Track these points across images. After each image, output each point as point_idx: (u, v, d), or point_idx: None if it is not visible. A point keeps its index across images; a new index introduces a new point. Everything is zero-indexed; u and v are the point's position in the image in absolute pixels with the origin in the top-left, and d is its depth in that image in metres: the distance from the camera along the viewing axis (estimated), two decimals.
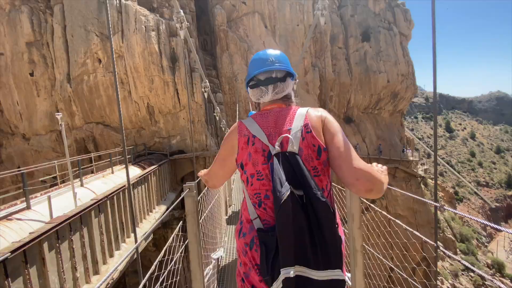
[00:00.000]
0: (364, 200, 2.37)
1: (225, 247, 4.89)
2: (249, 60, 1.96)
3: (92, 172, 11.92)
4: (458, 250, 39.58)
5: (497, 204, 70.26)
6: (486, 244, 51.88)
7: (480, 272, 1.50)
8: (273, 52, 1.34)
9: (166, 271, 2.29)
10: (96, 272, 7.12)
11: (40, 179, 15.47)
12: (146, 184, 11.70)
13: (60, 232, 5.85)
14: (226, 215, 6.43)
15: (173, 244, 2.31)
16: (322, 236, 1.00)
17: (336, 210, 1.20)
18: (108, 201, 7.94)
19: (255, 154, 1.19)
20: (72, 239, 6.22)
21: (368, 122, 28.29)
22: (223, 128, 6.54)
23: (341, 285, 1.00)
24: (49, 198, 6.08)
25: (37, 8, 17.13)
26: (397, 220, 2.34)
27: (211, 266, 3.32)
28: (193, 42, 17.98)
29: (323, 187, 1.15)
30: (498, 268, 38.92)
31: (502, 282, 36.96)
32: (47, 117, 18.14)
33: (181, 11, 3.34)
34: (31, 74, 18.09)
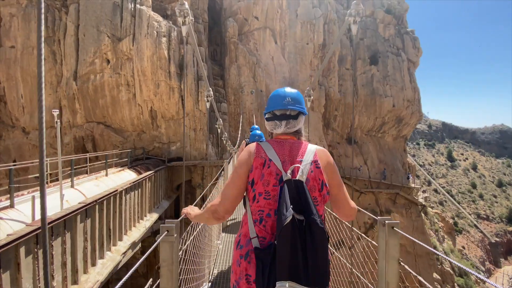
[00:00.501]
0: (357, 231, 2.46)
1: (214, 282, 4.26)
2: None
3: (87, 173, 11.62)
4: (456, 284, 38.21)
5: (497, 239, 68.57)
6: (484, 279, 50.07)
7: None
8: (290, 91, 1.55)
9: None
10: (75, 282, 6.67)
11: (35, 175, 15.14)
12: (139, 189, 11.33)
13: (40, 236, 5.47)
14: (219, 239, 5.86)
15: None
16: (315, 258, 1.16)
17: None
18: (97, 206, 7.57)
19: (268, 176, 1.35)
20: (52, 245, 5.82)
21: (371, 145, 28.02)
22: (224, 141, 6.36)
23: None
24: (32, 199, 5.74)
25: (53, 6, 17.37)
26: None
27: None
28: (204, 52, 18.09)
29: (320, 214, 1.28)
30: None
31: None
32: (49, 112, 17.96)
33: (186, 3, 2.98)
34: None
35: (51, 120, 18.08)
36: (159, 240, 1.75)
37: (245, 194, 1.44)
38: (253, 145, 1.46)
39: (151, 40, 15.72)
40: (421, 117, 28.43)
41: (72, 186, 8.11)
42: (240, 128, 18.30)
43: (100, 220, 7.88)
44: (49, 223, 5.66)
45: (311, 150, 1.43)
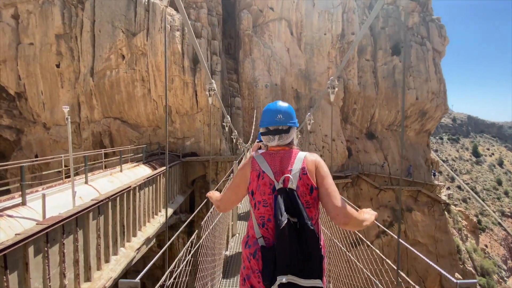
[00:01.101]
0: (380, 226, 2.36)
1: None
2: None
3: (106, 167, 11.67)
4: (478, 284, 36.39)
5: None
6: (505, 278, 47.74)
7: None
8: (282, 107, 1.67)
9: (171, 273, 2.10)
10: (88, 279, 6.60)
11: (56, 170, 15.47)
12: (154, 185, 11.25)
13: (51, 234, 5.37)
14: (227, 250, 5.41)
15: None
16: (309, 255, 1.38)
17: (321, 234, 1.59)
18: (110, 203, 7.47)
19: (263, 186, 1.55)
20: (64, 243, 5.72)
21: (391, 140, 26.75)
22: (234, 139, 6.13)
23: None
24: (43, 197, 5.64)
25: (69, 2, 17.54)
26: (413, 249, 2.17)
27: None
28: (217, 45, 17.71)
29: (312, 216, 1.50)
30: None
31: None
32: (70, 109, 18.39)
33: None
34: (57, 66, 18.50)
35: (70, 116, 18.50)
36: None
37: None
38: (249, 160, 1.66)
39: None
40: (446, 110, 26.75)
41: (86, 182, 8.06)
42: (254, 123, 17.89)
43: (113, 216, 7.79)
44: (60, 221, 5.55)
45: (300, 158, 1.57)
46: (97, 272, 6.99)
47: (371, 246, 2.66)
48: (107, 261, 7.45)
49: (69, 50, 18.32)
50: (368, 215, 1.56)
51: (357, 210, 1.54)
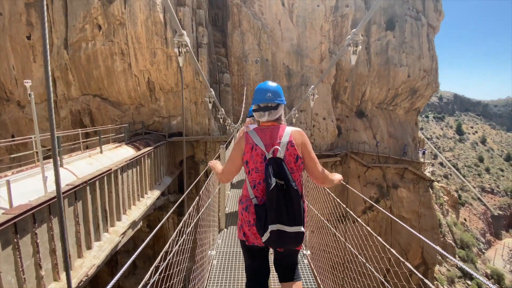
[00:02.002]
0: (368, 200, 2.75)
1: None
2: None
3: (88, 148, 10.95)
4: (457, 256, 38.83)
5: (500, 212, 68.94)
6: (483, 250, 51.23)
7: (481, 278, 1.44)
8: (271, 86, 1.97)
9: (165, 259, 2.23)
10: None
11: (32, 151, 14.57)
12: (138, 167, 10.70)
13: (20, 224, 4.87)
14: (213, 249, 4.99)
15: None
16: (292, 208, 1.74)
17: (303, 193, 1.95)
18: (88, 187, 6.93)
19: (256, 156, 1.88)
20: (36, 233, 5.25)
21: (381, 118, 26.72)
22: (220, 119, 5.96)
23: (302, 235, 1.78)
24: (7, 183, 5.05)
25: None
26: (398, 220, 2.29)
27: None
28: (203, 15, 16.41)
29: (295, 179, 1.85)
30: (497, 279, 38.18)
31: None
32: (43, 84, 17.04)
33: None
34: (28, 38, 16.85)
35: (44, 93, 17.18)
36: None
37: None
38: (243, 135, 1.97)
39: (145, 1, 14.12)
40: (437, 88, 26.67)
41: (61, 165, 7.42)
42: (244, 101, 17.21)
43: (93, 201, 7.30)
44: (29, 210, 5.03)
45: (288, 133, 1.89)
46: (79, 260, 6.62)
47: (359, 220, 2.73)
48: (89, 248, 7.07)
49: (40, 20, 16.60)
50: (336, 176, 2.08)
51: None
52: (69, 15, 15.52)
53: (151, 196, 11.70)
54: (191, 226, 2.73)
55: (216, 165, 2.33)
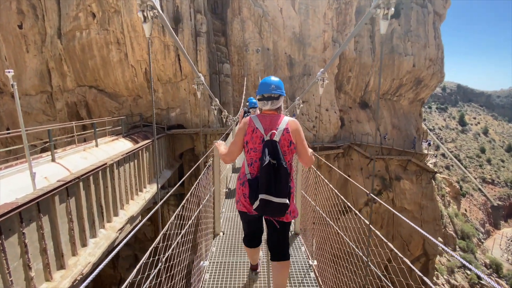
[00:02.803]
0: (371, 194, 2.41)
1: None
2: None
3: (85, 141, 10.56)
4: (457, 247, 38.94)
5: (500, 203, 69.14)
6: (482, 240, 51.52)
7: (478, 272, 1.42)
8: (275, 80, 2.30)
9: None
10: (61, 266, 5.94)
11: (31, 143, 14.13)
12: (136, 160, 10.34)
13: (5, 224, 4.53)
14: (206, 259, 4.82)
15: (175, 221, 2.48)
16: (280, 183, 2.03)
17: (293, 174, 2.42)
18: (81, 183, 6.58)
19: (255, 138, 2.20)
20: (24, 232, 4.92)
21: (385, 109, 26.17)
22: (214, 110, 5.49)
23: (286, 206, 2.07)
24: None
25: None
26: (399, 214, 2.17)
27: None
28: (202, 2, 15.73)
29: (287, 160, 2.15)
30: (495, 268, 38.45)
31: (498, 283, 36.67)
32: (37, 75, 16.55)
33: None
34: (20, 27, 16.25)
35: (39, 84, 16.72)
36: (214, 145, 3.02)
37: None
38: (247, 119, 2.30)
39: None
40: (442, 78, 25.98)
41: (53, 160, 7.06)
42: (244, 92, 16.69)
43: (87, 197, 6.96)
44: (15, 209, 4.68)
45: (285, 121, 2.21)
46: (73, 258, 6.33)
47: (358, 214, 2.72)
48: (84, 245, 6.77)
49: (31, 7, 15.98)
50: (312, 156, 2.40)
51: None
52: (61, 2, 14.90)
53: (150, 190, 11.38)
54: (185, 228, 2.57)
55: (220, 146, 2.65)
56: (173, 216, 2.39)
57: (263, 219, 2.43)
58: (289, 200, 2.06)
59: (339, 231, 3.00)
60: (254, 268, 2.89)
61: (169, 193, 3.23)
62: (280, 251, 2.29)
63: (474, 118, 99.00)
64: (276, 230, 2.27)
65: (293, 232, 3.61)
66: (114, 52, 14.47)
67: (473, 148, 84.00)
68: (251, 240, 2.50)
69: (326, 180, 3.25)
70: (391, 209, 2.26)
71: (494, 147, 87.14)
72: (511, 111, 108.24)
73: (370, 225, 2.20)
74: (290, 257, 2.36)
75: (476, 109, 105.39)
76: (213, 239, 3.51)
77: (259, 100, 2.31)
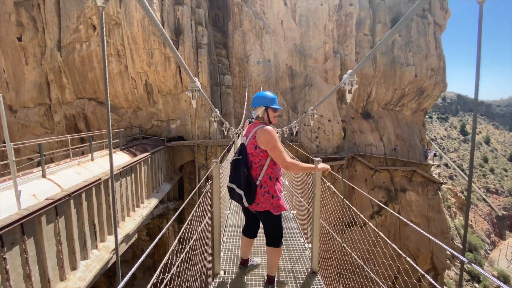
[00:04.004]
0: (377, 202, 2.52)
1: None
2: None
3: (83, 154, 10.15)
4: (465, 259, 37.71)
5: (504, 213, 67.96)
6: (489, 251, 50.21)
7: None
8: (256, 95, 2.79)
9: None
10: None
11: (28, 157, 13.74)
12: (133, 174, 9.90)
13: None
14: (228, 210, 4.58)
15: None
16: (239, 176, 2.54)
17: (263, 172, 2.58)
18: (72, 200, 6.12)
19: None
20: (5, 257, 4.43)
21: (388, 119, 25.86)
22: (214, 122, 4.99)
23: (240, 195, 2.54)
24: None
25: None
26: (411, 224, 2.01)
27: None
28: (203, 14, 15.71)
29: (255, 162, 2.58)
30: (503, 280, 37.11)
31: None
32: (36, 88, 16.37)
33: None
34: (19, 39, 16.22)
35: (38, 97, 16.51)
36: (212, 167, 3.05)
37: None
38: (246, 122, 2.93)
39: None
40: (445, 88, 25.79)
41: (43, 175, 6.63)
42: (246, 103, 16.42)
43: (79, 216, 6.48)
44: None
45: (255, 129, 2.58)
46: (61, 284, 5.79)
47: (369, 223, 2.50)
48: (73, 268, 6.24)
49: (31, 20, 15.98)
50: (294, 162, 2.57)
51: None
52: (62, 15, 14.89)
53: (148, 205, 10.87)
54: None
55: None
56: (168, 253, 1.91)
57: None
58: (251, 193, 2.50)
59: (345, 246, 2.91)
60: (242, 263, 3.07)
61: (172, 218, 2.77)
62: (267, 238, 2.68)
63: (476, 128, 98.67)
64: (261, 220, 2.71)
65: (309, 270, 3.09)
66: (114, 64, 14.30)
67: (475, 158, 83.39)
68: (246, 229, 2.93)
69: (337, 192, 3.01)
70: (401, 218, 2.13)
71: (497, 156, 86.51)
72: (511, 120, 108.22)
73: (382, 235, 2.06)
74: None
75: (476, 119, 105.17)
76: (212, 280, 2.87)
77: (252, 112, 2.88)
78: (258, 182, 2.53)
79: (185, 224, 2.31)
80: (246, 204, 2.54)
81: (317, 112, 4.52)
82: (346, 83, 2.36)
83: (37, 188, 6.10)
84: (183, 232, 2.25)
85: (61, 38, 14.93)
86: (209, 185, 3.00)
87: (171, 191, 15.69)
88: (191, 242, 2.30)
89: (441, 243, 1.58)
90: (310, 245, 3.35)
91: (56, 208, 5.63)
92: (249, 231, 2.91)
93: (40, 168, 6.91)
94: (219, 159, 3.08)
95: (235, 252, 3.57)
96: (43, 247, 5.29)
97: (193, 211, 2.49)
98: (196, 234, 2.64)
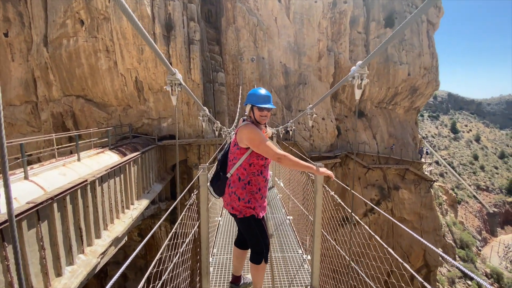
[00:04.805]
0: (368, 202, 2.39)
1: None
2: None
3: (71, 153, 9.77)
4: (457, 256, 38.38)
5: (495, 210, 69.46)
6: (480, 248, 51.26)
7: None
8: (260, 92, 2.58)
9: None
10: None
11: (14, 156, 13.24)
12: (122, 175, 9.59)
13: None
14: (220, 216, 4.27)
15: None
16: (217, 176, 2.54)
17: (241, 168, 2.45)
18: (55, 204, 5.83)
19: None
20: None
21: (381, 118, 25.95)
22: (202, 122, 4.77)
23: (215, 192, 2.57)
24: None
25: None
26: (400, 224, 2.05)
27: None
28: (195, 10, 15.36)
29: (230, 159, 2.52)
30: (496, 278, 37.89)
31: None
32: (22, 85, 15.81)
33: None
34: (5, 35, 15.63)
35: (24, 94, 15.95)
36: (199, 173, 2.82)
37: None
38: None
39: None
40: (437, 87, 25.99)
41: (25, 177, 6.31)
42: (239, 101, 16.18)
43: (63, 220, 6.19)
44: None
45: (238, 127, 2.51)
46: None
47: (361, 222, 2.54)
48: (58, 275, 5.97)
49: (18, 15, 15.39)
50: (306, 164, 2.36)
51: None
52: (49, 9, 14.35)
53: (138, 206, 10.59)
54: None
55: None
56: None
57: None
58: (219, 184, 2.47)
59: (335, 244, 2.88)
60: (234, 280, 2.75)
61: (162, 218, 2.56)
62: (251, 251, 2.53)
63: (466, 126, 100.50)
64: (240, 229, 2.65)
65: (309, 287, 2.88)
66: (103, 60, 13.88)
67: (466, 155, 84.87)
68: (238, 238, 2.71)
69: (343, 204, 2.83)
70: (392, 219, 2.06)
71: (487, 154, 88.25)
72: (502, 118, 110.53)
73: (372, 233, 1.98)
74: None
75: (467, 117, 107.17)
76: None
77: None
78: (228, 175, 2.46)
79: (166, 240, 2.10)
80: (214, 195, 2.51)
81: (304, 110, 4.24)
82: (356, 77, 2.08)
83: (19, 191, 5.79)
84: (164, 250, 2.04)
85: (48, 33, 14.41)
86: (194, 196, 2.76)
87: (163, 191, 15.40)
88: (175, 259, 2.09)
89: (427, 243, 1.54)
90: (309, 257, 3.11)
91: (38, 212, 5.34)
92: (241, 241, 2.69)
93: (22, 169, 6.58)
94: (207, 164, 2.82)
95: (227, 266, 3.31)
96: (24, 254, 5.01)
97: (176, 224, 2.27)
98: (184, 247, 2.44)
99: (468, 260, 38.82)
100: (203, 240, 2.70)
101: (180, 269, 2.23)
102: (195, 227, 2.80)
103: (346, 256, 2.65)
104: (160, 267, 2.04)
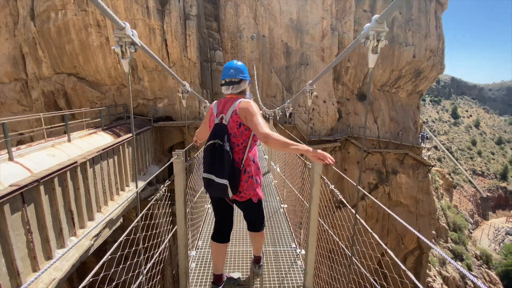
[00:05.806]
0: (361, 190, 2.08)
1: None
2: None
3: (65, 133, 9.38)
4: (449, 239, 39.34)
5: (489, 194, 70.80)
6: (471, 231, 52.61)
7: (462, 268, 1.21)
8: (235, 64, 2.32)
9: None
10: (17, 285, 4.97)
11: None
12: (116, 156, 9.28)
13: None
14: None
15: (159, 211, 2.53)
16: (222, 163, 2.07)
17: (247, 155, 2.22)
18: (41, 186, 5.54)
19: (211, 122, 2.30)
20: None
21: (383, 101, 25.40)
22: (204, 112, 4.31)
23: (224, 186, 2.07)
24: None
25: None
26: (391, 212, 1.92)
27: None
28: None
29: (238, 144, 2.19)
30: (485, 259, 39.09)
31: (488, 274, 37.33)
32: (10, 62, 15.07)
33: None
34: None
35: (13, 71, 15.26)
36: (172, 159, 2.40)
37: None
38: (212, 104, 2.41)
39: None
40: (442, 70, 25.23)
41: (10, 158, 5.98)
42: None
43: (52, 203, 5.94)
44: None
45: (236, 103, 2.19)
46: (34, 275, 5.34)
47: (348, 206, 2.32)
48: (49, 258, 5.80)
49: None
50: (295, 144, 1.95)
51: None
52: None
53: (134, 188, 10.37)
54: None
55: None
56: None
57: (229, 205, 2.39)
58: (235, 181, 2.12)
59: (327, 227, 2.79)
60: (216, 281, 2.43)
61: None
62: (250, 224, 2.48)
63: (467, 111, 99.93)
64: (242, 208, 2.42)
65: None
66: (94, 36, 13.12)
67: (464, 141, 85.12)
68: (218, 232, 2.41)
69: (345, 201, 2.49)
70: (382, 206, 2.03)
71: (485, 139, 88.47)
72: (502, 104, 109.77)
73: (356, 215, 1.97)
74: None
75: (468, 102, 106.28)
76: None
77: (221, 85, 2.35)
78: (241, 167, 2.19)
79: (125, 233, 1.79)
80: (231, 195, 2.13)
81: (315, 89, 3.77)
82: (370, 36, 1.56)
83: (2, 173, 5.47)
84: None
85: (34, 5, 13.51)
86: (165, 188, 2.39)
87: (161, 174, 15.19)
88: (148, 265, 1.78)
89: (420, 235, 1.43)
90: (303, 251, 2.83)
91: (23, 195, 5.06)
92: (221, 234, 2.38)
93: (7, 150, 6.23)
94: (184, 150, 2.42)
95: (208, 260, 3.02)
96: (8, 238, 4.78)
97: (133, 223, 1.92)
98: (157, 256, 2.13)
99: (460, 242, 39.81)
100: (180, 238, 2.37)
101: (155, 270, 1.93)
102: (167, 239, 2.46)
103: (341, 244, 2.51)
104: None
